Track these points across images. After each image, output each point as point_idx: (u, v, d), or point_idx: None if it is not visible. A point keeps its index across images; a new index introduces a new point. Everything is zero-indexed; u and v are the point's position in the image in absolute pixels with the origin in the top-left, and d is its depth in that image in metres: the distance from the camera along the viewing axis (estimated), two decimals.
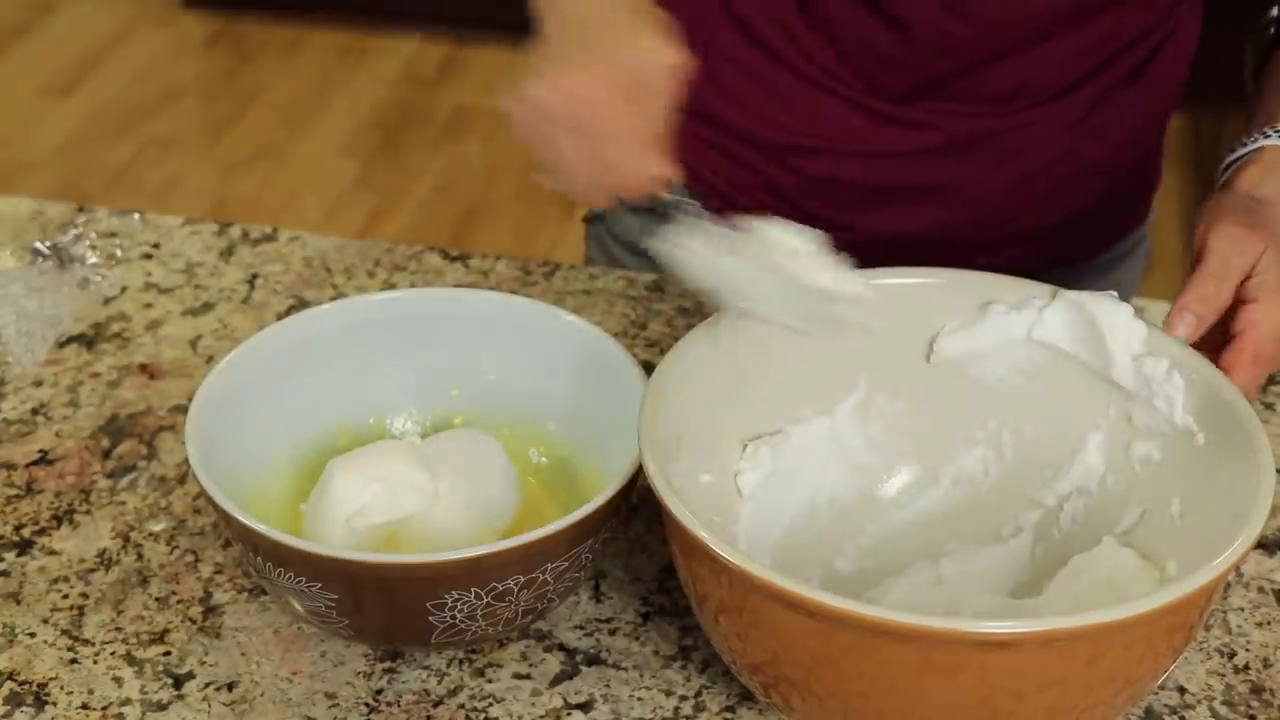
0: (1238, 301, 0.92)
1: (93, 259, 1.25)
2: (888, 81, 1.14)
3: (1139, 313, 0.93)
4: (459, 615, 0.87)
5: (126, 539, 1.01)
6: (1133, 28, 1.14)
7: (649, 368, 0.94)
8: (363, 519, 0.93)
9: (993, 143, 1.16)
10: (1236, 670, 0.94)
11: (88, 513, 1.03)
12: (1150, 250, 1.36)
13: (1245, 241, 0.93)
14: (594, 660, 0.94)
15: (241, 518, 0.86)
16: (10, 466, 1.07)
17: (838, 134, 1.18)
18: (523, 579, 0.86)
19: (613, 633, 0.95)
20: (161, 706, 0.91)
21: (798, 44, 1.15)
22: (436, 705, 0.91)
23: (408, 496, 0.94)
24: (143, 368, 1.16)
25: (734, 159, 1.22)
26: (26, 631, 0.95)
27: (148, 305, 1.22)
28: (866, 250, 1.19)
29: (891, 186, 1.19)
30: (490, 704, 0.91)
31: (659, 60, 0.92)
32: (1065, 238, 1.24)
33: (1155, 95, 1.18)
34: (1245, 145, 1.04)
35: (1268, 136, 1.03)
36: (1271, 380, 1.16)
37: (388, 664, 0.93)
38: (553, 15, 0.96)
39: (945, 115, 1.15)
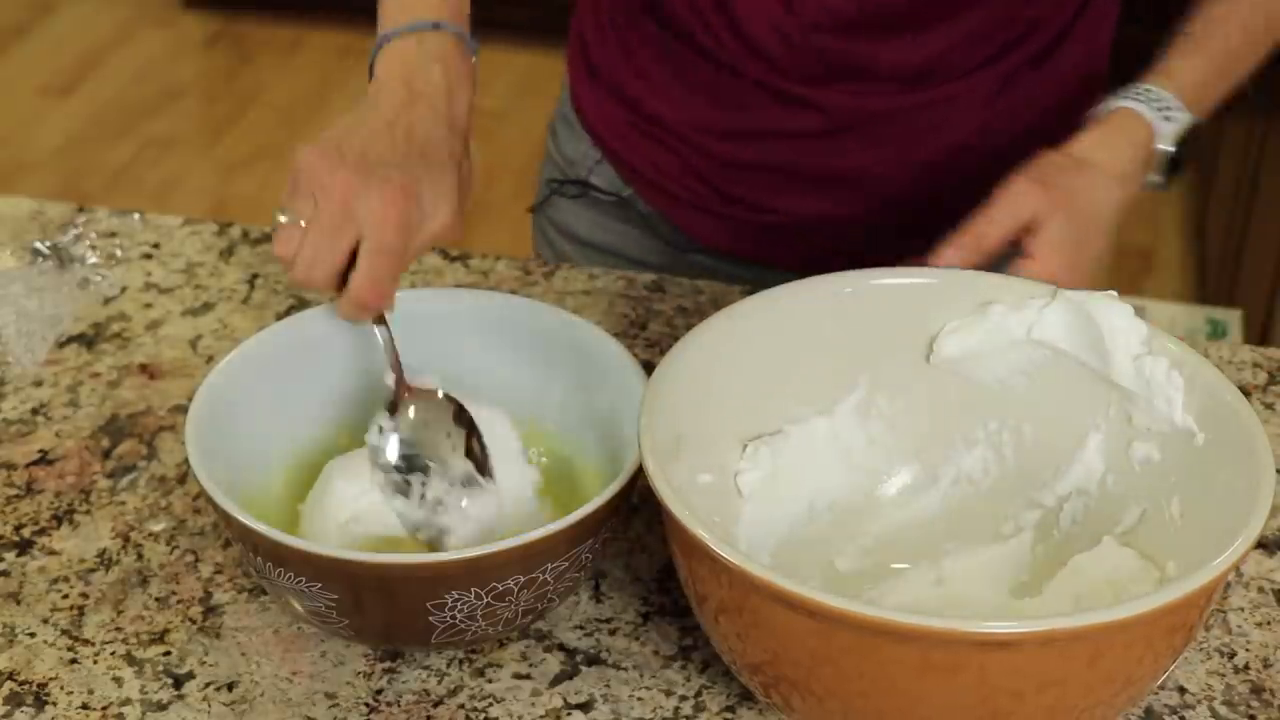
0: (1024, 256, 0.97)
1: (93, 259, 1.25)
2: (793, 63, 1.15)
3: (1139, 313, 0.92)
4: (459, 615, 0.87)
5: (126, 539, 1.01)
6: (1027, 11, 1.15)
7: (649, 368, 0.94)
8: (358, 526, 0.93)
9: (903, 121, 1.17)
10: (1236, 670, 0.94)
11: (88, 513, 1.03)
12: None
13: (1028, 195, 0.97)
14: (594, 660, 0.94)
15: (241, 518, 0.86)
16: (10, 466, 1.07)
17: (750, 117, 1.19)
18: (523, 579, 0.86)
19: (613, 633, 0.95)
20: (161, 706, 0.91)
21: (708, 28, 1.17)
22: (436, 705, 0.91)
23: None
24: (143, 368, 1.16)
25: (659, 144, 1.24)
26: (26, 631, 0.95)
27: (148, 305, 1.22)
28: (787, 233, 1.21)
29: (808, 169, 1.20)
30: (490, 704, 0.91)
31: (441, 229, 0.96)
32: None
33: (1065, 82, 1.18)
34: (1108, 103, 1.05)
35: (1127, 98, 1.04)
36: (1271, 380, 1.16)
37: (388, 664, 0.93)
38: (386, 85, 1.00)
39: (854, 95, 1.16)
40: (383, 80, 1.01)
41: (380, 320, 0.96)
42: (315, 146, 0.95)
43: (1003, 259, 0.99)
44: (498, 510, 0.94)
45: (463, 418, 0.95)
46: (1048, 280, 0.95)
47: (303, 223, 0.94)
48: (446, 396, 0.96)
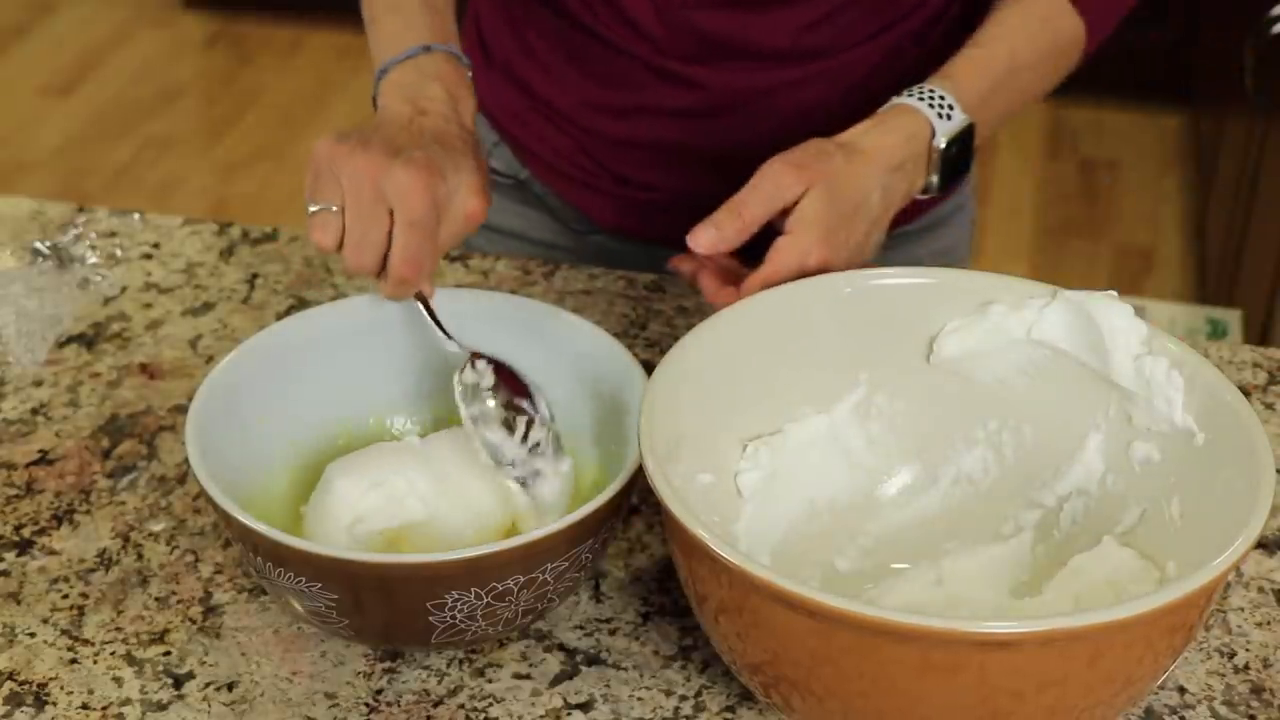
0: (781, 233, 0.98)
1: (93, 259, 1.25)
2: (673, 41, 1.16)
3: (1139, 313, 0.93)
4: (459, 615, 0.87)
5: (126, 539, 1.01)
6: None
7: (649, 368, 0.94)
8: (364, 525, 0.93)
9: (784, 97, 1.18)
10: (1236, 670, 0.94)
11: (88, 513, 1.03)
12: (976, 217, 1.37)
13: (783, 175, 0.98)
14: (594, 660, 0.94)
15: (241, 518, 0.86)
16: (10, 466, 1.07)
17: (636, 96, 1.20)
18: (523, 579, 0.86)
19: (613, 633, 0.95)
20: (161, 706, 0.91)
21: (592, 10, 1.18)
22: (436, 705, 0.91)
23: (410, 504, 0.94)
24: (143, 368, 1.16)
25: (551, 125, 1.25)
26: (26, 631, 0.95)
27: (148, 305, 1.22)
28: (678, 212, 1.21)
29: (693, 147, 1.21)
30: (490, 704, 0.91)
31: (469, 211, 0.97)
32: None
33: (947, 58, 1.17)
34: (890, 101, 1.06)
35: (907, 95, 1.05)
36: (1271, 380, 1.16)
37: (388, 664, 0.93)
38: (392, 108, 1.01)
39: (734, 73, 1.17)
40: (388, 105, 1.03)
41: (420, 299, 0.98)
42: (333, 137, 0.96)
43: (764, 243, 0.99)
44: (573, 472, 0.96)
45: (525, 389, 0.97)
46: (801, 254, 0.97)
47: (334, 208, 0.95)
48: (506, 367, 0.97)
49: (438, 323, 0.98)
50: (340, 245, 0.95)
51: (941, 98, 1.05)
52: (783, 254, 0.97)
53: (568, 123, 1.24)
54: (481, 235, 1.34)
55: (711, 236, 0.97)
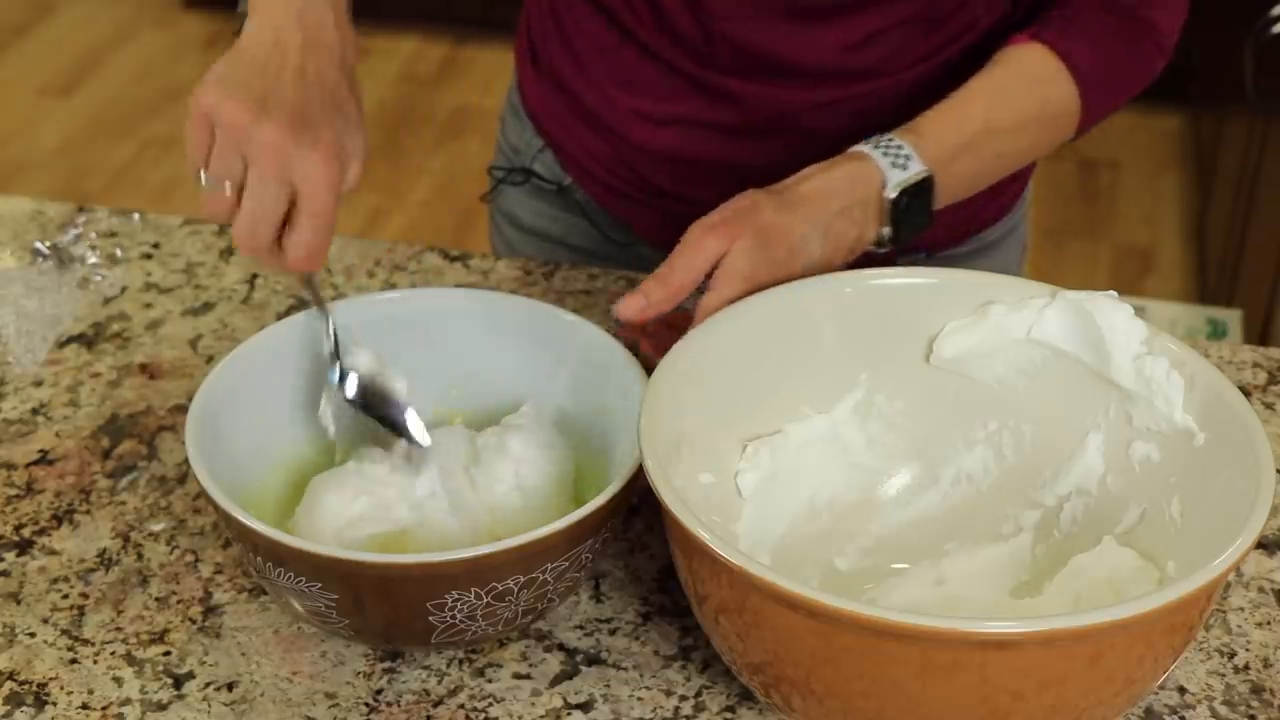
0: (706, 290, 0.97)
1: (93, 259, 1.25)
2: (713, 54, 1.16)
3: (1139, 313, 0.93)
4: (459, 615, 0.87)
5: (126, 539, 1.01)
6: (955, 12, 1.15)
7: (649, 368, 0.94)
8: (353, 530, 0.93)
9: (825, 118, 1.17)
10: (1236, 670, 0.94)
11: (88, 513, 1.03)
12: (1028, 242, 1.36)
13: (702, 239, 0.97)
14: (594, 660, 0.94)
15: (241, 517, 0.86)
16: (10, 466, 1.07)
17: (674, 107, 1.20)
18: (523, 579, 0.87)
19: (613, 633, 0.95)
20: (161, 706, 0.91)
21: (635, 14, 1.18)
22: (436, 705, 0.91)
23: (400, 509, 0.94)
24: (143, 368, 1.16)
25: (591, 129, 1.25)
26: (26, 631, 0.95)
27: (148, 305, 1.22)
28: None
29: (730, 161, 1.20)
30: (490, 704, 0.91)
31: (356, 179, 0.95)
32: None
33: None
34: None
35: (864, 144, 1.04)
36: (1271, 380, 1.16)
37: (388, 664, 0.93)
38: (281, 22, 0.96)
39: (774, 89, 1.16)
40: (271, 14, 0.97)
41: (309, 284, 0.97)
42: (232, 95, 0.91)
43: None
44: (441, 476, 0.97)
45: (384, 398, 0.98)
46: (723, 305, 0.96)
47: (228, 184, 0.91)
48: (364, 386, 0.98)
49: (334, 337, 0.97)
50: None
51: (899, 147, 1.04)
52: (704, 311, 0.96)
53: (606, 129, 1.23)
54: (523, 239, 1.34)
55: (639, 305, 0.96)
